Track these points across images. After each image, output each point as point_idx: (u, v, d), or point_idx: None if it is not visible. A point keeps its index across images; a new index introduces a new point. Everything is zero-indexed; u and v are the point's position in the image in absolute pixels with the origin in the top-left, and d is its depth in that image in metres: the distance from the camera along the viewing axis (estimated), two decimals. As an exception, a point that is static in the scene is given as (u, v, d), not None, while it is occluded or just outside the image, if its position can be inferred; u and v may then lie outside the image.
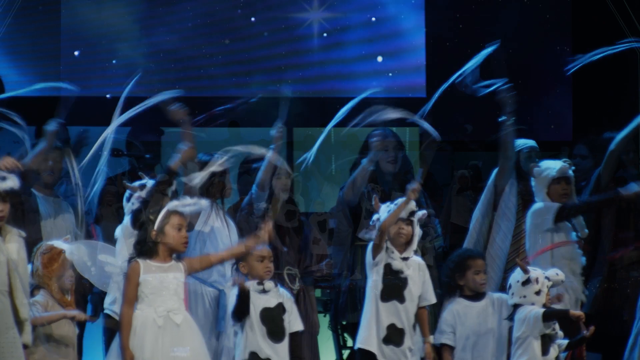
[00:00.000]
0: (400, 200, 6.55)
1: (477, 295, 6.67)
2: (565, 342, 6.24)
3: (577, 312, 6.29)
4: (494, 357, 6.54)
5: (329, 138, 9.81)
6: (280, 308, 6.18)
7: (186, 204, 5.89)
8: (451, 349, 6.63)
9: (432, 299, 6.52)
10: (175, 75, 10.49)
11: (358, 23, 10.49)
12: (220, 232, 6.94)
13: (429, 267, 6.94)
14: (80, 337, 6.73)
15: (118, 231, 6.65)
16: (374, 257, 6.44)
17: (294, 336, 6.26)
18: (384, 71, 10.43)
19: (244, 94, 10.00)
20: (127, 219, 6.55)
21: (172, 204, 5.90)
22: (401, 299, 6.35)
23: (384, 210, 6.55)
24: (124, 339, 5.64)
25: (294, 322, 6.23)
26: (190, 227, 6.29)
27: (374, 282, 6.43)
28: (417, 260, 6.55)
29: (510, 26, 10.48)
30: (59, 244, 6.22)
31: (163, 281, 5.72)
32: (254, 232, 6.21)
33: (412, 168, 8.36)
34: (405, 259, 6.43)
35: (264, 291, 6.16)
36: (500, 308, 6.56)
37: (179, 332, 5.69)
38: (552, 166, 7.35)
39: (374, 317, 6.32)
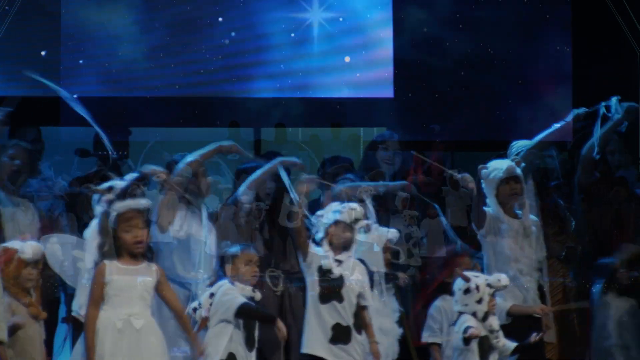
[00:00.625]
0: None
1: None
2: (513, 345, 6.19)
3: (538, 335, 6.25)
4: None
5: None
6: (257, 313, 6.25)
7: (128, 203, 5.87)
8: (439, 346, 6.65)
9: (369, 301, 6.49)
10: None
11: (326, 23, 10.48)
12: (196, 239, 6.88)
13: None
14: (50, 337, 6.73)
15: (87, 233, 6.60)
16: (304, 259, 6.46)
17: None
18: (352, 71, 10.45)
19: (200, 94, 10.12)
20: (94, 222, 6.51)
21: (121, 205, 5.88)
22: (340, 299, 6.35)
23: (330, 209, 6.59)
24: (88, 340, 5.62)
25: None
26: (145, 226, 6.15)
27: (311, 284, 6.45)
28: (353, 261, 6.55)
29: (503, 26, 10.51)
30: (12, 244, 6.19)
31: (129, 283, 5.70)
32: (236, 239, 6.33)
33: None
34: (339, 261, 6.38)
35: (252, 300, 6.18)
36: None
37: (138, 337, 5.65)
38: (499, 166, 7.29)
39: (317, 319, 6.34)
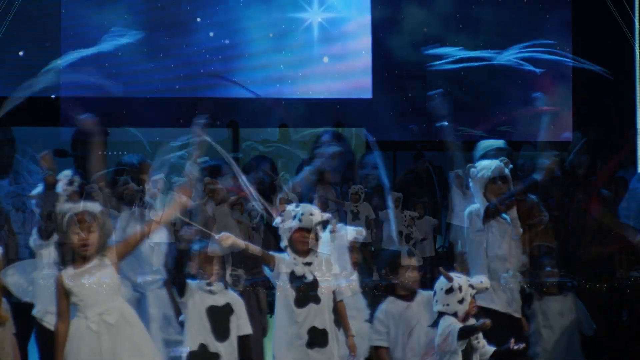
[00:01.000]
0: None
1: (410, 294, 6.66)
2: (492, 349, 6.16)
3: (485, 323, 6.17)
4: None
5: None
6: (228, 308, 6.18)
7: (74, 206, 5.82)
8: (387, 350, 6.62)
9: (345, 294, 6.41)
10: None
11: (304, 24, 10.50)
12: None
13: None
14: (24, 343, 6.70)
15: (31, 241, 6.60)
16: (272, 269, 6.33)
17: (244, 339, 6.24)
18: (330, 72, 10.46)
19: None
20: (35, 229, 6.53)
21: (65, 207, 5.83)
22: (317, 300, 6.25)
23: (289, 216, 6.46)
24: (58, 354, 5.59)
25: (243, 325, 6.22)
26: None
27: (282, 291, 6.31)
28: (321, 258, 6.44)
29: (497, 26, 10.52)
30: None
31: (90, 286, 5.64)
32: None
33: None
34: (308, 264, 6.37)
35: (211, 292, 6.16)
36: (432, 306, 6.45)
37: (117, 331, 5.62)
38: (488, 166, 7.33)
39: (291, 325, 6.20)
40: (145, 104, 10.44)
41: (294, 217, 6.35)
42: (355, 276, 6.80)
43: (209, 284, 6.16)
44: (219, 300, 6.18)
